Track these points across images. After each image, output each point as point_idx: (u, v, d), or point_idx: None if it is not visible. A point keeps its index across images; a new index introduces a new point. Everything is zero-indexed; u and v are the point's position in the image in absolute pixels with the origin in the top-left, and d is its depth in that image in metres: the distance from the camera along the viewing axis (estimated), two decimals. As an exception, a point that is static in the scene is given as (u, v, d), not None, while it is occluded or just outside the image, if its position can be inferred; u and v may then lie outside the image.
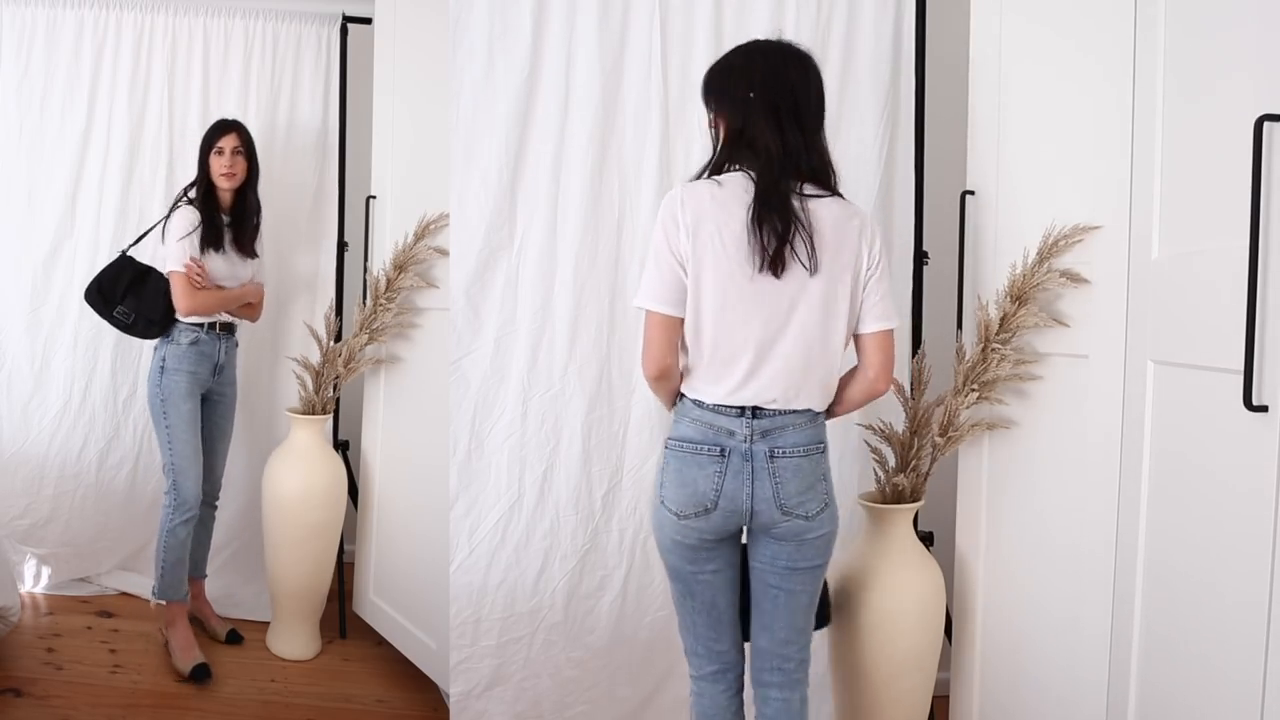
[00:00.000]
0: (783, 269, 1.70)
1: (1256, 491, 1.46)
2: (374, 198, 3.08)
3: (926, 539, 2.30)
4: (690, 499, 1.76)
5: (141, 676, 2.80)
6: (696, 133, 2.44)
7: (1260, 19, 1.49)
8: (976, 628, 2.22)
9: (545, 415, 2.50)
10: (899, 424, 2.24)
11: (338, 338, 3.10)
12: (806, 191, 1.73)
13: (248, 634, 3.12)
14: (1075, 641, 1.93)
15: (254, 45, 3.48)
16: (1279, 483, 1.42)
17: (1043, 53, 2.08)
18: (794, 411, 1.77)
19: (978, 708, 2.23)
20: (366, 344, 2.96)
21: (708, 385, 1.75)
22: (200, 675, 2.78)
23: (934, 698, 2.25)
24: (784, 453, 1.75)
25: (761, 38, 1.82)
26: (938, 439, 2.16)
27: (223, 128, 2.94)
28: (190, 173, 3.04)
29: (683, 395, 1.80)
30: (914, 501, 2.20)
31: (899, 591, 2.12)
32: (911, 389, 2.27)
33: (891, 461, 2.24)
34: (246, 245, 2.97)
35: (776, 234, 1.68)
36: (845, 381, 1.85)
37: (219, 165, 2.89)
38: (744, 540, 1.87)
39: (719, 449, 1.75)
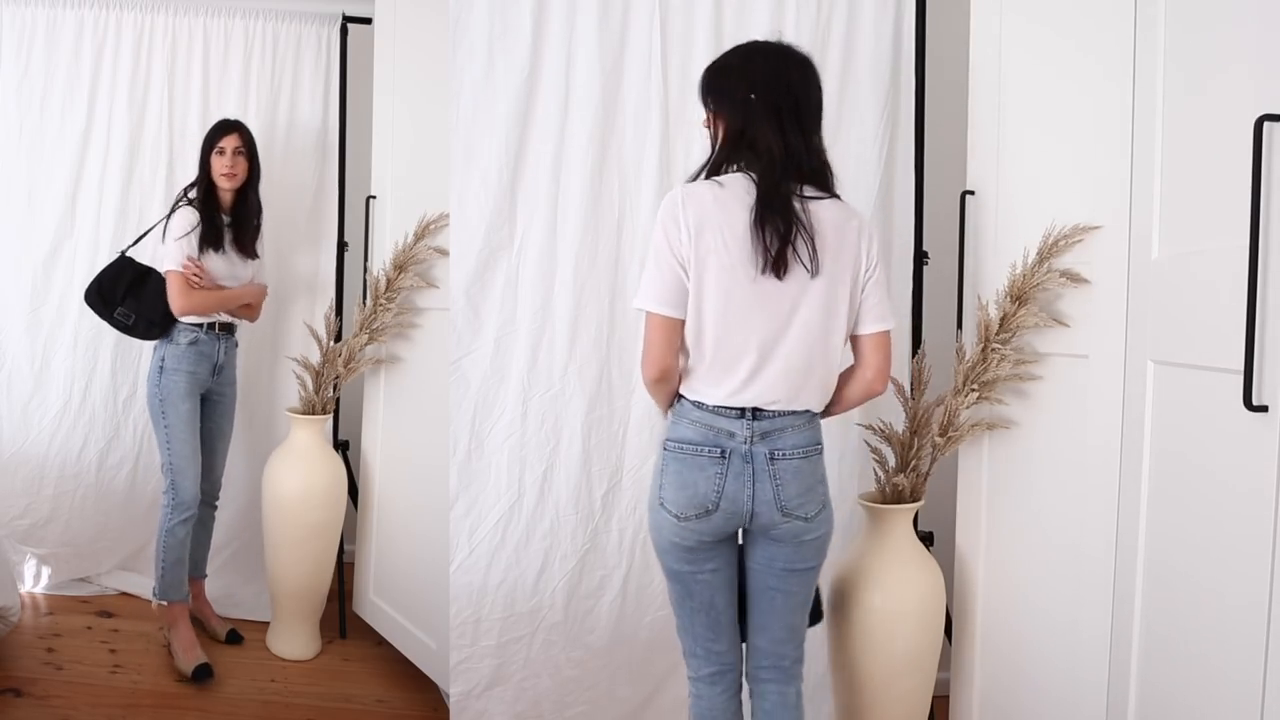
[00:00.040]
0: (785, 271, 1.70)
1: (1256, 491, 1.46)
2: (374, 198, 3.08)
3: (926, 539, 2.30)
4: (691, 501, 1.75)
5: (141, 676, 2.80)
6: (696, 133, 2.44)
7: (1260, 18, 1.49)
8: (976, 628, 2.22)
9: (545, 415, 2.50)
10: (899, 424, 2.24)
11: (338, 338, 3.10)
12: (806, 193, 1.73)
13: (248, 634, 3.12)
14: (1075, 642, 1.93)
15: (254, 45, 3.48)
16: (1279, 483, 1.42)
17: (1043, 53, 2.08)
18: (793, 413, 1.77)
19: (978, 708, 2.23)
20: (366, 344, 2.96)
21: (709, 387, 1.75)
22: (202, 675, 2.78)
23: (934, 698, 2.25)
24: (784, 455, 1.76)
25: (760, 39, 1.82)
26: (938, 439, 2.16)
27: (225, 128, 2.94)
28: (190, 173, 3.04)
29: (681, 397, 1.79)
30: (914, 501, 2.20)
31: (899, 591, 2.12)
32: (911, 389, 2.27)
33: (891, 461, 2.24)
34: (247, 246, 2.97)
35: (779, 235, 1.68)
36: (842, 381, 1.86)
37: (220, 165, 2.89)
38: (739, 541, 1.87)
39: (719, 450, 1.75)
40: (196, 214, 2.85)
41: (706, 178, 1.77)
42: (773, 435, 1.75)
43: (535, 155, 2.48)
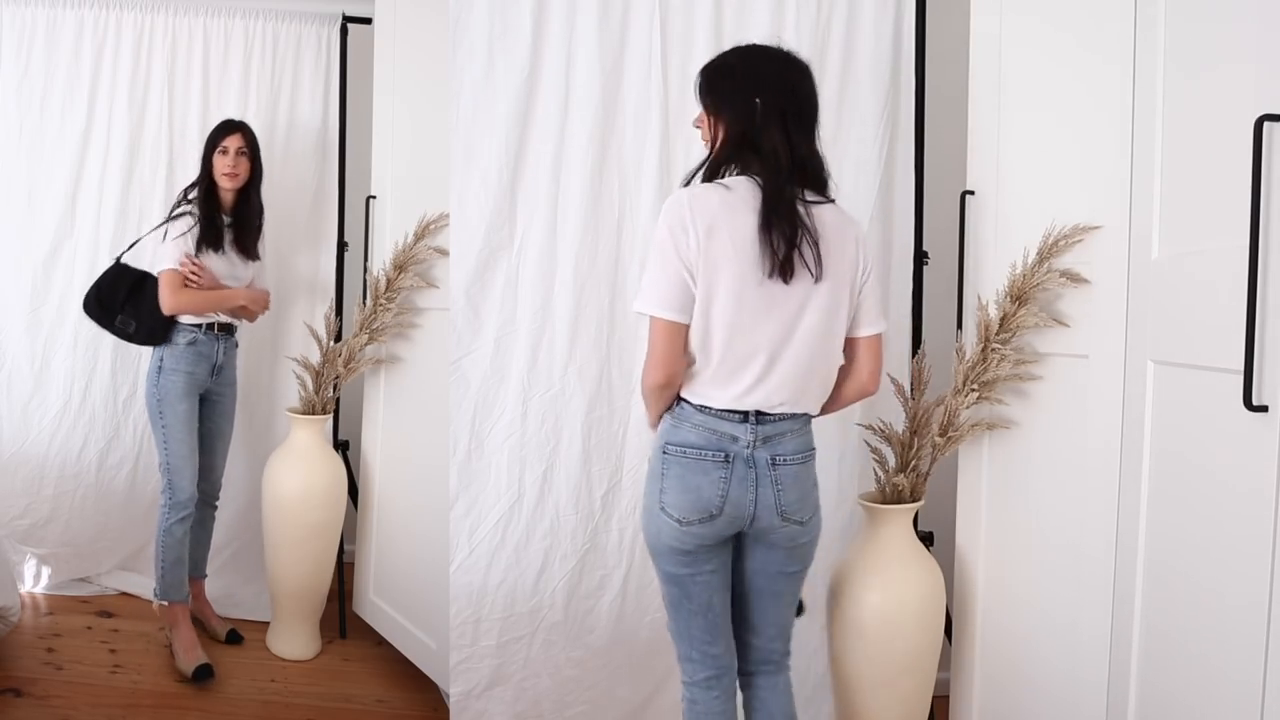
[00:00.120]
0: (792, 275, 1.70)
1: (1256, 491, 1.46)
2: (374, 198, 3.08)
3: (926, 539, 2.30)
4: (695, 505, 1.75)
5: (141, 676, 2.80)
6: (696, 133, 2.44)
7: (1260, 18, 1.49)
8: (976, 628, 2.22)
9: (545, 415, 2.50)
10: (899, 424, 2.24)
11: (338, 338, 3.10)
12: (808, 198, 1.73)
13: (248, 634, 3.12)
14: (1075, 642, 1.93)
15: (254, 45, 3.48)
16: (1279, 483, 1.42)
17: (1043, 52, 2.08)
18: (793, 416, 1.78)
19: (978, 708, 2.23)
20: (366, 344, 2.96)
21: (715, 390, 1.74)
22: (202, 675, 2.78)
23: (934, 698, 2.25)
24: (785, 460, 1.77)
25: (757, 42, 1.82)
26: (938, 439, 2.16)
27: (228, 128, 2.93)
28: (190, 173, 3.04)
29: (683, 401, 1.78)
30: (914, 501, 2.20)
31: (899, 591, 2.12)
32: (911, 389, 2.27)
33: (891, 461, 2.24)
34: (248, 247, 2.96)
35: (786, 240, 1.68)
36: (838, 381, 1.87)
37: (223, 165, 2.89)
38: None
39: (723, 454, 1.74)
40: (195, 213, 2.85)
41: (705, 179, 1.76)
42: (773, 440, 1.76)
43: (535, 155, 2.48)
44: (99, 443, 3.43)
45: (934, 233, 2.49)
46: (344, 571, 3.14)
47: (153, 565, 2.93)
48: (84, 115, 3.41)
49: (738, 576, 1.88)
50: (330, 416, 3.08)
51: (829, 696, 2.29)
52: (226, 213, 2.93)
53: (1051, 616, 2.01)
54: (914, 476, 2.21)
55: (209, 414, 3.01)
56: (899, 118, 2.51)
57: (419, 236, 2.82)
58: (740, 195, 1.71)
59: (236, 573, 3.40)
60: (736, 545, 1.86)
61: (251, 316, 3.05)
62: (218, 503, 3.14)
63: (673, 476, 1.76)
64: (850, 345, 1.84)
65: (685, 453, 1.76)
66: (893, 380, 2.27)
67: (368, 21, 3.19)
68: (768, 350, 1.72)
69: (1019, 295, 2.04)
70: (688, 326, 1.72)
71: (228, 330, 2.99)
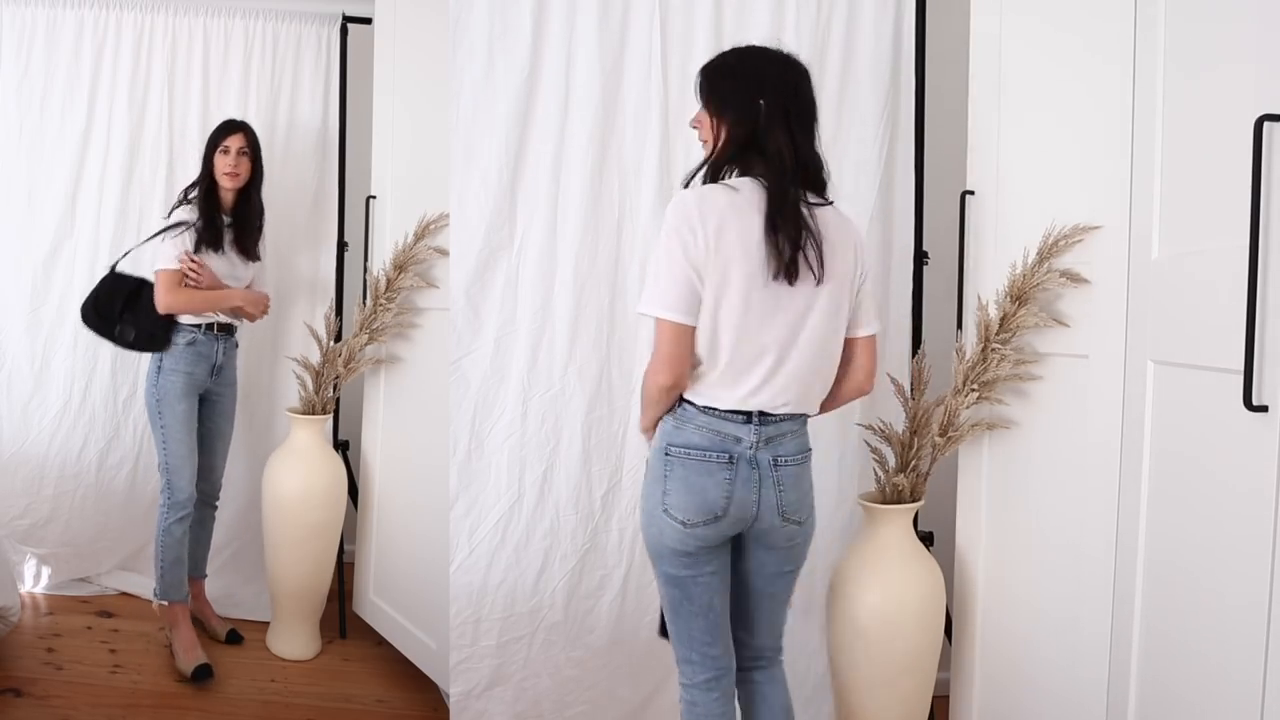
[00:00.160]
0: (796, 277, 1.70)
1: (1256, 491, 1.46)
2: (374, 198, 3.08)
3: (926, 539, 2.30)
4: (700, 507, 1.75)
5: (141, 676, 2.80)
6: (697, 133, 2.44)
7: (1260, 18, 1.49)
8: (976, 628, 2.22)
9: (545, 415, 2.50)
10: (899, 424, 2.24)
11: (338, 338, 3.10)
12: (810, 199, 1.74)
13: (248, 634, 3.12)
14: (1075, 641, 1.93)
15: (254, 45, 3.48)
16: (1279, 483, 1.42)
17: (1043, 52, 2.08)
18: (793, 417, 1.79)
19: (978, 708, 2.23)
20: (366, 344, 2.96)
21: (721, 391, 1.74)
22: (202, 675, 2.77)
23: (934, 698, 2.25)
24: (785, 461, 1.78)
25: (756, 43, 1.82)
26: (938, 439, 2.16)
27: (230, 127, 2.93)
28: (190, 173, 3.03)
29: (687, 402, 1.78)
30: (914, 501, 2.21)
31: (899, 591, 2.12)
32: (911, 389, 2.27)
33: (891, 461, 2.24)
34: (248, 247, 2.96)
35: (791, 241, 1.69)
36: (835, 381, 1.87)
37: (223, 164, 2.88)
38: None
39: (727, 456, 1.74)
40: (195, 213, 2.84)
41: (706, 180, 1.76)
42: (775, 441, 1.76)
43: (535, 155, 2.48)
44: (99, 443, 3.43)
45: (934, 233, 2.49)
46: (344, 571, 3.14)
47: (152, 565, 2.93)
48: (84, 115, 3.41)
49: (736, 577, 1.88)
50: (330, 416, 3.08)
51: (829, 696, 2.29)
52: (227, 213, 2.93)
53: (1051, 616, 2.01)
54: (914, 476, 2.21)
55: (209, 414, 3.00)
56: (899, 118, 2.51)
57: (419, 236, 2.82)
58: (746, 196, 1.71)
59: (236, 573, 3.40)
60: (735, 546, 1.86)
61: (250, 317, 3.04)
62: (218, 503, 3.14)
63: (676, 478, 1.76)
64: (847, 345, 1.85)
65: (689, 454, 1.75)
66: (893, 380, 2.27)
67: (368, 21, 3.19)
68: (775, 352, 1.72)
69: (1019, 295, 2.04)
70: (694, 328, 1.72)
71: (227, 330, 2.98)
